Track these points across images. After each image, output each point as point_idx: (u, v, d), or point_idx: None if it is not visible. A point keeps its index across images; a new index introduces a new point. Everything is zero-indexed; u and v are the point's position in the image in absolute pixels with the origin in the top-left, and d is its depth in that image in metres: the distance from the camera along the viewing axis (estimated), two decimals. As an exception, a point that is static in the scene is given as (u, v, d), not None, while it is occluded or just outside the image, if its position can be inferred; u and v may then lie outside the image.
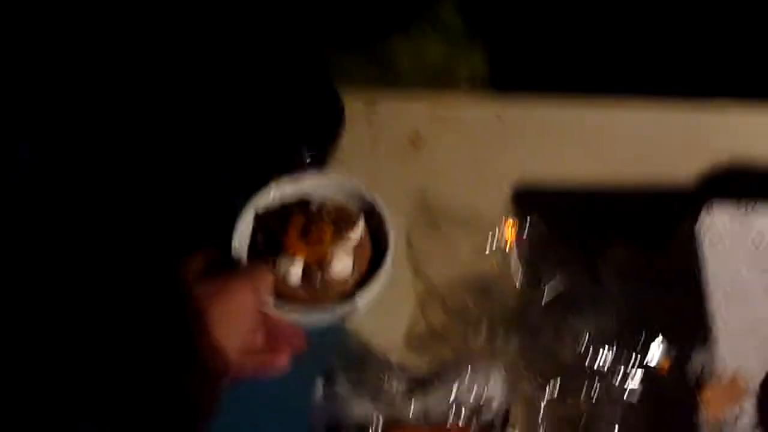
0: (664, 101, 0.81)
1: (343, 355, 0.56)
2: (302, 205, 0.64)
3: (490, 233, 0.72)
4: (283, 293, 0.58)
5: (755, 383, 0.52)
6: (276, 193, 0.65)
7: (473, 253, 0.72)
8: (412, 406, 0.50)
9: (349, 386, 0.51)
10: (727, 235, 0.58)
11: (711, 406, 0.51)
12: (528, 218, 0.70)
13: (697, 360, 0.54)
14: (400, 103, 0.82)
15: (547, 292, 0.66)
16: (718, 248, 0.58)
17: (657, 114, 0.80)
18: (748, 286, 0.56)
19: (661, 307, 0.60)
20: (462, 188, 0.76)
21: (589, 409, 0.54)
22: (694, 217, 0.61)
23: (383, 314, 0.69)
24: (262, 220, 0.64)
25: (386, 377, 0.52)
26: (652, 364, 0.56)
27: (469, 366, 0.52)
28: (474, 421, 0.50)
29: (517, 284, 0.66)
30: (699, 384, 0.53)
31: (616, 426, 0.53)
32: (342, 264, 0.60)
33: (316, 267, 0.59)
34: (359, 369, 0.53)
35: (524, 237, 0.69)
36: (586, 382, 0.55)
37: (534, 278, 0.68)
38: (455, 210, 0.74)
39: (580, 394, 0.55)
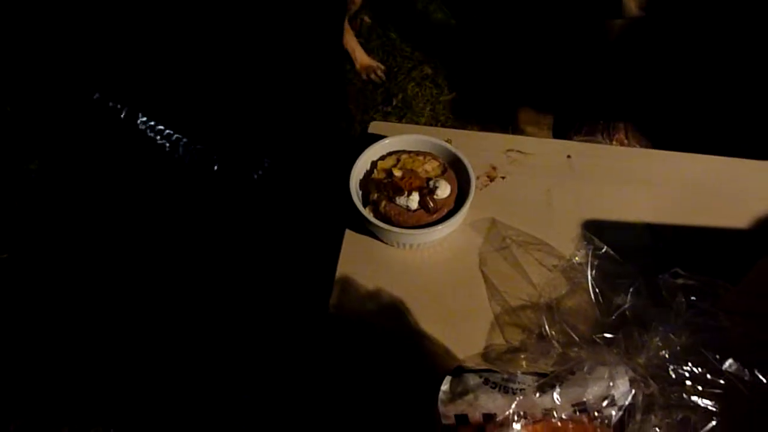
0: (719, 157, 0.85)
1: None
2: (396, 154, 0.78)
3: (560, 259, 0.75)
4: (405, 221, 0.73)
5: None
6: (377, 148, 0.78)
7: (545, 276, 0.74)
8: (541, 400, 0.50)
9: (480, 380, 0.52)
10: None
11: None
12: (600, 248, 0.73)
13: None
14: (477, 141, 0.86)
15: (618, 312, 0.68)
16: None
17: (716, 166, 0.84)
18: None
19: (736, 333, 0.62)
20: (533, 219, 0.78)
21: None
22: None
23: (461, 330, 0.70)
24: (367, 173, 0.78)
25: (516, 375, 0.52)
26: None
27: (595, 365, 0.52)
28: (600, 416, 0.50)
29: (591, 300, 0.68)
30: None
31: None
32: (443, 189, 0.74)
33: (426, 193, 0.73)
34: (486, 369, 0.54)
35: (595, 263, 0.72)
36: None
37: (604, 301, 0.70)
38: (526, 237, 0.77)
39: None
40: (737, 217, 0.79)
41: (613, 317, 0.68)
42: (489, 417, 0.51)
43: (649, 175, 0.82)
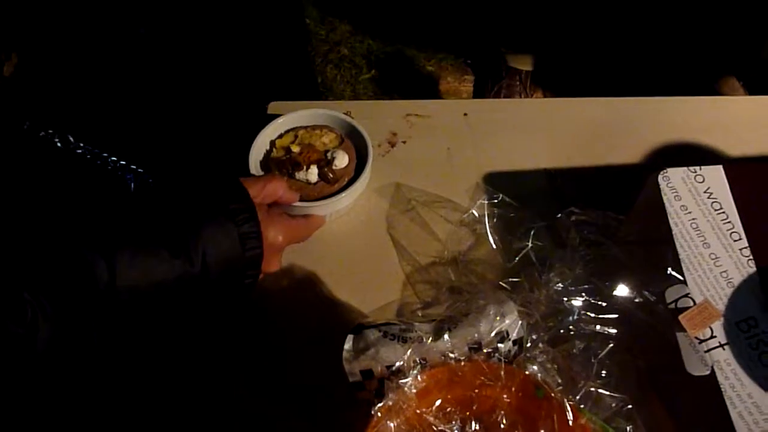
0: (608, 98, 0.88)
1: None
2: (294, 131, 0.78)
3: (464, 214, 0.76)
4: (308, 195, 0.73)
5: (721, 308, 0.57)
6: (274, 127, 0.78)
7: (450, 232, 0.76)
8: (437, 345, 0.51)
9: (380, 334, 0.53)
10: (683, 192, 0.64)
11: (689, 328, 0.55)
12: (496, 197, 0.75)
13: (670, 297, 0.59)
14: (375, 109, 0.87)
15: (519, 257, 0.70)
16: (677, 203, 0.63)
17: (602, 106, 0.87)
18: (704, 230, 0.62)
19: (626, 260, 0.65)
20: (435, 179, 0.79)
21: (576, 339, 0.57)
22: (653, 182, 0.66)
23: (376, 293, 0.71)
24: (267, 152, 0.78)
25: (413, 324, 0.53)
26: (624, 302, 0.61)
27: (485, 305, 0.54)
28: (494, 352, 0.52)
29: (493, 248, 0.70)
30: (674, 315, 0.57)
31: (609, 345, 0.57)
32: (341, 159, 0.74)
33: (324, 165, 0.74)
34: (384, 323, 0.55)
35: (494, 212, 0.74)
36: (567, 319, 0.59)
37: (506, 247, 0.72)
38: (430, 197, 0.79)
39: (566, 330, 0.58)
40: (627, 152, 0.82)
41: (516, 260, 0.70)
42: (391, 368, 0.52)
43: (542, 122, 0.85)
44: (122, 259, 0.51)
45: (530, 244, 0.70)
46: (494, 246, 0.71)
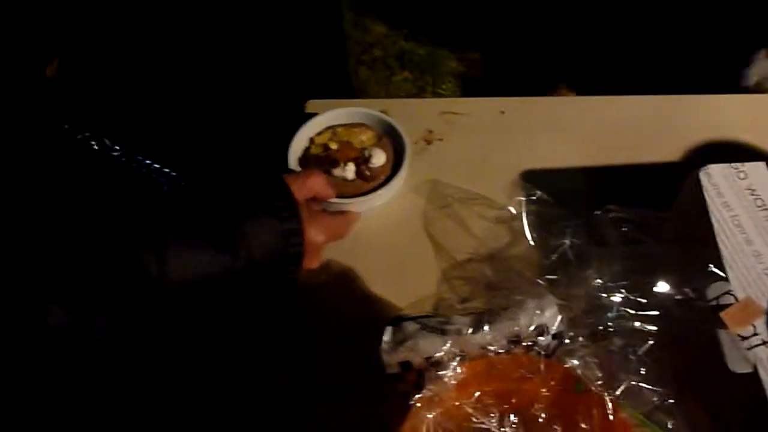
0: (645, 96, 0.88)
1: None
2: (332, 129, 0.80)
3: (500, 211, 0.76)
4: (345, 192, 0.74)
5: (763, 305, 0.57)
6: (313, 124, 0.80)
7: (487, 228, 0.76)
8: (477, 338, 0.52)
9: (418, 326, 0.54)
10: (725, 189, 0.64)
11: (731, 325, 0.55)
12: (534, 194, 0.74)
13: (711, 294, 0.58)
14: (411, 107, 0.88)
15: (557, 254, 0.70)
16: (718, 199, 0.63)
17: (640, 104, 0.87)
18: (747, 227, 0.61)
19: (667, 257, 0.64)
20: (472, 176, 0.80)
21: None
22: (694, 179, 0.66)
23: (412, 289, 0.72)
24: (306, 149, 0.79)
25: (451, 317, 0.54)
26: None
27: (524, 299, 0.54)
28: (534, 346, 0.52)
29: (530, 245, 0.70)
30: (715, 312, 0.56)
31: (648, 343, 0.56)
32: (378, 157, 0.76)
33: (362, 162, 0.75)
34: (423, 315, 0.55)
35: (531, 209, 0.73)
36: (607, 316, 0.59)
37: (544, 244, 0.72)
38: (466, 194, 0.79)
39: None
40: (665, 150, 0.81)
41: (553, 258, 0.69)
42: (430, 360, 0.53)
43: (579, 120, 0.85)
44: (171, 252, 0.52)
45: (568, 242, 0.69)
46: (531, 243, 0.71)
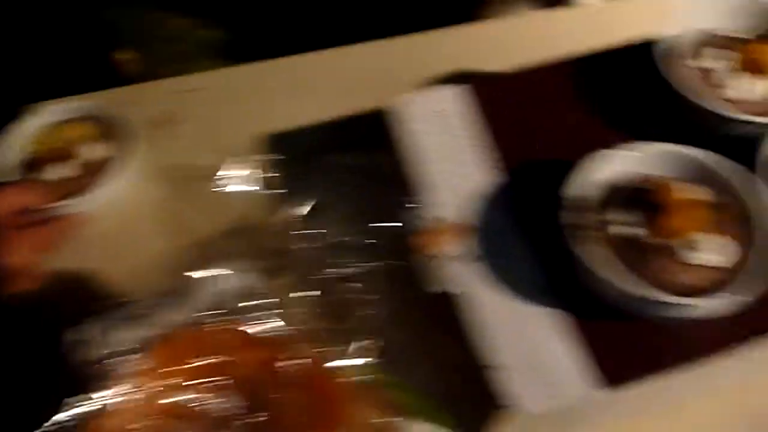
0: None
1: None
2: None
3: (243, 181, 0.74)
4: (72, 192, 0.69)
5: (468, 223, 0.58)
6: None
7: (230, 200, 0.74)
8: (166, 319, 0.50)
9: (108, 322, 0.51)
10: (419, 117, 0.64)
11: (425, 247, 0.55)
12: (277, 158, 0.73)
13: (414, 220, 0.59)
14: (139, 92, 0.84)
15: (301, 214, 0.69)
16: (417, 128, 0.63)
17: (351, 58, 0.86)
18: (441, 152, 0.62)
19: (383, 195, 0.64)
20: (215, 151, 0.76)
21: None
22: (394, 113, 0.66)
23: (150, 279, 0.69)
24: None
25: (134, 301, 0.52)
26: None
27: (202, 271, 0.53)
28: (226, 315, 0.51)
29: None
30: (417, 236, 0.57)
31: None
32: (94, 150, 0.72)
33: (77, 158, 0.71)
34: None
35: (276, 175, 0.72)
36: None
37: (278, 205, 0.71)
38: (206, 170, 0.76)
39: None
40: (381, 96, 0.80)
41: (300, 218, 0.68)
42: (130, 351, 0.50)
43: (317, 80, 0.84)
44: None
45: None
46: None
